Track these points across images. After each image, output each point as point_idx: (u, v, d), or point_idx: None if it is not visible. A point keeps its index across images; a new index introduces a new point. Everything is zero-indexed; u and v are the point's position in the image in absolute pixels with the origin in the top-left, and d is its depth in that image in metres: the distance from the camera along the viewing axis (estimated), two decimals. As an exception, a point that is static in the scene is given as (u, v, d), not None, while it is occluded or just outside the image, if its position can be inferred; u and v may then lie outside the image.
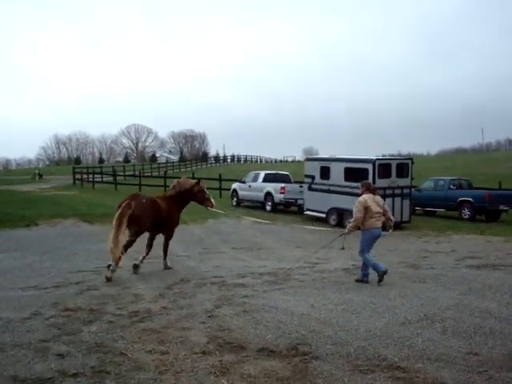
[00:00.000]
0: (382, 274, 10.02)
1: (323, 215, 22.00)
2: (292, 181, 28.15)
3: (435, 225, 21.63)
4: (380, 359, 5.98)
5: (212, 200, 12.44)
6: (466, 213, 23.66)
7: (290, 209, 26.96)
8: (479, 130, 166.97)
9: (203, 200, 12.36)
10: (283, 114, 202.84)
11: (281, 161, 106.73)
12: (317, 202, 22.42)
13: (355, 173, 20.56)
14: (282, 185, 26.22)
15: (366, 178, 19.72)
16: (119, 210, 10.67)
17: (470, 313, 7.86)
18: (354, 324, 7.34)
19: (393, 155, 79.90)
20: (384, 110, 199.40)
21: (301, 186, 25.15)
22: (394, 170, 20.53)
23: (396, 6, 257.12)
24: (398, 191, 20.34)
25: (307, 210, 23.33)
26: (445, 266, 11.89)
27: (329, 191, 21.73)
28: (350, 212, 19.98)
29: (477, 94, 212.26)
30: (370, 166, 20.02)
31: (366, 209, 10.21)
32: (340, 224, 20.71)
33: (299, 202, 25.10)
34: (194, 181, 12.57)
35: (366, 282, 10.18)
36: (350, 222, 10.95)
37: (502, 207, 23.50)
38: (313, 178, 22.76)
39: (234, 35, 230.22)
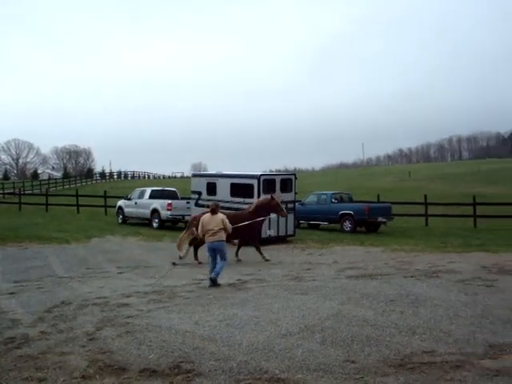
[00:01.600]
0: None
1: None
2: (179, 197, 28.00)
3: (319, 237, 22.32)
4: (261, 372, 6.07)
5: None
6: (347, 225, 24.63)
7: (177, 225, 26.78)
8: (360, 146, 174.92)
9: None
10: (172, 129, 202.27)
11: (169, 177, 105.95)
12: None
13: (241, 188, 20.87)
14: (169, 201, 26.01)
15: (252, 193, 20.12)
16: None
17: (348, 322, 8.16)
18: (238, 339, 7.40)
19: (279, 171, 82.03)
20: (271, 127, 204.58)
21: (188, 202, 25.07)
22: (279, 186, 21.03)
23: (279, 24, 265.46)
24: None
25: (194, 226, 23.26)
26: (326, 278, 12.29)
27: (216, 207, 21.82)
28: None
29: (358, 111, 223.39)
30: (255, 182, 20.38)
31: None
32: (227, 240, 20.84)
33: (186, 218, 24.99)
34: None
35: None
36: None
37: (380, 219, 24.70)
38: (199, 193, 22.80)
39: (116, 50, 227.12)
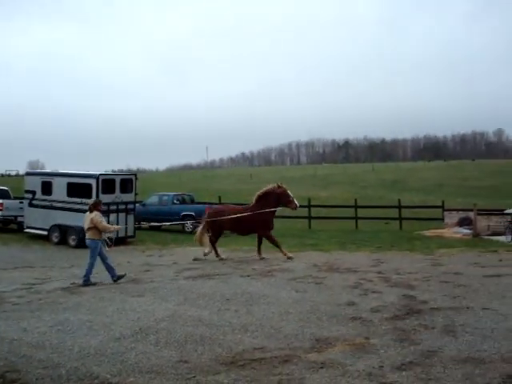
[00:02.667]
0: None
1: (45, 232, 21.01)
2: (12, 197, 26.33)
3: (160, 238, 22.19)
4: (92, 378, 5.89)
5: None
6: (189, 226, 24.76)
7: (8, 227, 25.18)
8: (204, 149, 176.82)
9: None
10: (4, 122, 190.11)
11: (2, 175, 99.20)
12: (38, 219, 21.33)
13: (78, 188, 20.18)
14: (0, 201, 24.38)
15: (90, 193, 19.50)
16: None
17: (184, 322, 8.20)
18: (68, 345, 7.12)
19: (122, 171, 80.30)
20: (117, 126, 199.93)
21: (21, 202, 23.67)
22: (118, 186, 20.61)
23: (134, 25, 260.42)
24: (122, 206, 20.43)
25: (28, 227, 22.05)
26: (164, 279, 12.24)
27: (51, 207, 20.86)
28: (74, 229, 19.52)
29: (204, 115, 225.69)
30: (93, 182, 19.78)
31: None
32: (63, 241, 20.03)
33: (19, 219, 23.61)
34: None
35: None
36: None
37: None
38: (34, 193, 21.63)
39: None
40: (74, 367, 6.23)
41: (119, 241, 20.35)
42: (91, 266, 11.99)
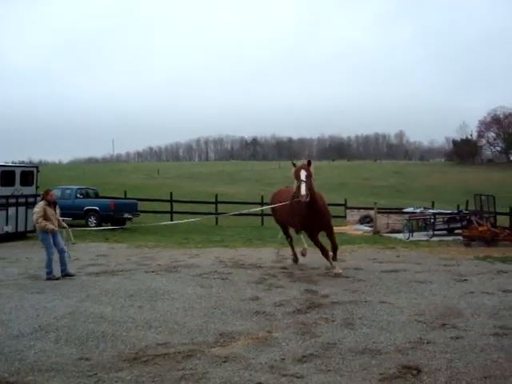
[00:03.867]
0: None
1: None
2: None
3: (61, 234, 21.49)
4: (-15, 378, 5.68)
5: None
6: (93, 221, 24.20)
7: None
8: (111, 142, 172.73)
9: None
10: None
11: None
12: None
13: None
14: None
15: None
16: None
17: (85, 319, 8.04)
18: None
19: (22, 162, 77.06)
20: (18, 115, 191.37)
21: None
22: (19, 178, 19.80)
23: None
24: (22, 200, 19.65)
25: None
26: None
27: None
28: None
29: (112, 107, 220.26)
30: (-9, 173, 18.88)
31: None
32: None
33: None
34: None
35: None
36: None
37: (126, 215, 24.79)
38: None
39: None
40: (-38, 368, 5.98)
41: (19, 236, 19.62)
42: (45, 258, 11.71)
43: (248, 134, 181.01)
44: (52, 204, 12.14)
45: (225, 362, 6.21)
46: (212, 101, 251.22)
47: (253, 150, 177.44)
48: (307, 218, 11.95)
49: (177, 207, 30.03)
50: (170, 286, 10.61)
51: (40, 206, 11.95)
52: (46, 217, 11.80)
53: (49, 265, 11.63)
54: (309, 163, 12.02)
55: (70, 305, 8.95)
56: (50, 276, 11.47)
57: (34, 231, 20.44)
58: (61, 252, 11.97)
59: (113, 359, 6.32)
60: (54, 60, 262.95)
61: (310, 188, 11.48)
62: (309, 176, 11.58)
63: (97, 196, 26.94)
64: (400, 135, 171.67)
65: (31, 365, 6.10)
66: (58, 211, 12.37)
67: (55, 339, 7.06)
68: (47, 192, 12.22)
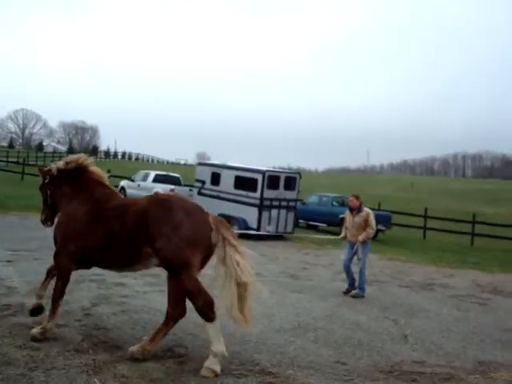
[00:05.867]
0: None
1: (211, 221, 22.01)
2: (182, 184, 28.03)
3: (316, 238, 22.38)
4: (253, 364, 6.13)
5: None
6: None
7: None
8: (365, 153, 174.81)
9: None
10: (180, 116, 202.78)
11: (173, 163, 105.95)
12: (205, 208, 22.38)
13: (245, 182, 20.91)
14: (172, 187, 26.06)
15: (255, 188, 20.17)
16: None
17: (342, 324, 8.24)
18: (231, 329, 7.43)
19: (282, 168, 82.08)
20: (277, 123, 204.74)
21: (190, 190, 25.13)
22: (283, 183, 21.05)
23: (301, 18, 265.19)
24: (284, 203, 20.88)
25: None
26: (322, 279, 12.35)
27: (218, 197, 21.86)
28: (236, 219, 20.35)
29: (367, 118, 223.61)
30: (259, 177, 20.40)
31: None
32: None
33: (186, 205, 25.11)
34: None
35: (362, 296, 10.52)
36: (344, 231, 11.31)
37: (379, 227, 24.71)
38: (203, 183, 22.81)
39: (138, 23, 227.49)
40: (236, 352, 6.52)
41: (278, 236, 20.88)
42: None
43: (510, 151, 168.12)
44: (352, 211, 11.08)
45: (485, 392, 5.86)
46: (468, 115, 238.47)
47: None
48: None
49: (430, 223, 29.14)
50: (425, 303, 10.36)
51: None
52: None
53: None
54: None
55: (327, 308, 9.26)
56: (361, 293, 10.65)
57: (292, 233, 21.63)
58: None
59: (368, 368, 6.37)
60: (312, 67, 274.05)
61: None
62: None
63: (351, 205, 27.41)
64: None
65: (291, 360, 6.43)
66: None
67: (314, 339, 7.36)
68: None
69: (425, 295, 11.24)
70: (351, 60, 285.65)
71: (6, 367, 5.37)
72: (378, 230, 24.93)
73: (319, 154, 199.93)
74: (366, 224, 10.70)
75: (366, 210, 10.90)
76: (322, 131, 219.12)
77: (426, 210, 29.06)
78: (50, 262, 11.15)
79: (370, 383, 5.86)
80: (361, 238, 10.65)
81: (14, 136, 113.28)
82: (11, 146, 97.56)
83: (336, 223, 25.15)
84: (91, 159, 7.27)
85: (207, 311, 5.81)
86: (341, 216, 23.51)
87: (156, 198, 6.43)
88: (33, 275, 9.89)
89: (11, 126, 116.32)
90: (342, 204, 26.75)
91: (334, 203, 26.33)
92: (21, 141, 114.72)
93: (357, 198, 11.07)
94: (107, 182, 7.09)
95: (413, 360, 6.81)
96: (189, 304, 8.19)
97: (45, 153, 70.97)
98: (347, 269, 10.83)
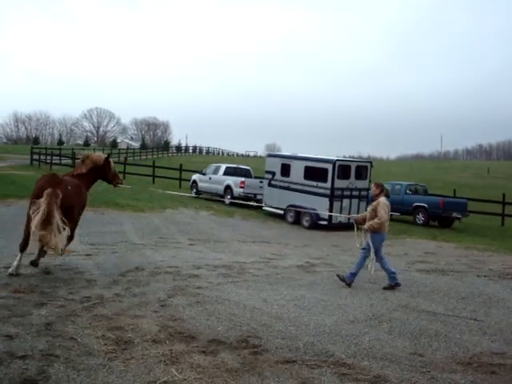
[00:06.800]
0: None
1: (281, 212, 22.11)
2: (253, 176, 28.21)
3: (390, 228, 21.92)
4: (327, 355, 6.12)
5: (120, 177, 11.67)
6: (420, 218, 24.15)
7: (248, 203, 27.03)
8: (438, 139, 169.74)
9: (113, 177, 11.19)
10: (250, 109, 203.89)
11: (242, 155, 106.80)
12: (276, 199, 22.54)
13: (315, 172, 20.82)
14: (242, 179, 26.26)
15: (326, 178, 20.06)
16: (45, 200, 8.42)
17: (417, 315, 8.09)
18: (305, 320, 7.48)
19: (353, 157, 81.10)
20: (345, 112, 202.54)
21: (261, 182, 25.27)
22: (353, 172, 20.81)
23: (367, 9, 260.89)
24: (355, 193, 20.65)
25: (266, 205, 23.44)
26: (396, 269, 12.11)
27: (288, 188, 21.89)
28: (307, 210, 20.33)
29: (439, 102, 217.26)
30: (330, 167, 20.25)
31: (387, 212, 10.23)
32: (297, 222, 20.90)
33: (258, 197, 25.26)
34: (104, 155, 11.08)
35: (397, 284, 10.00)
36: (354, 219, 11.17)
37: (455, 214, 24.06)
38: (273, 174, 22.88)
39: (211, 23, 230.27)
40: (310, 342, 6.53)
41: (349, 226, 20.64)
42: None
43: None
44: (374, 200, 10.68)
45: None
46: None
47: None
48: None
49: (509, 209, 28.03)
50: (504, 293, 10.01)
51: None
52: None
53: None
54: None
55: (402, 298, 9.11)
56: (392, 282, 10.15)
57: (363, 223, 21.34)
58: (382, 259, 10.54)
59: (446, 360, 6.23)
60: (384, 58, 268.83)
61: None
62: None
63: (426, 193, 26.75)
64: None
65: (366, 351, 6.38)
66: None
67: (388, 330, 7.27)
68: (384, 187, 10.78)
69: (504, 285, 10.84)
70: (420, 43, 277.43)
71: (87, 357, 5.59)
72: (453, 218, 24.30)
73: (390, 142, 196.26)
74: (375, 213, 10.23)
75: (380, 199, 10.35)
76: (392, 118, 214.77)
77: (503, 195, 27.96)
78: (128, 256, 11.57)
79: (447, 375, 5.73)
80: (366, 226, 10.36)
81: (89, 134, 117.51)
82: (87, 143, 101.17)
83: (410, 212, 24.67)
84: None
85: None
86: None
87: None
88: (111, 268, 10.24)
89: (86, 125, 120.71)
90: (416, 192, 26.19)
91: (408, 191, 25.78)
92: (96, 139, 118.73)
93: (377, 186, 10.62)
94: None
95: (492, 351, 6.61)
96: (275, 301, 8.28)
97: (119, 149, 73.15)
98: (379, 262, 10.39)
